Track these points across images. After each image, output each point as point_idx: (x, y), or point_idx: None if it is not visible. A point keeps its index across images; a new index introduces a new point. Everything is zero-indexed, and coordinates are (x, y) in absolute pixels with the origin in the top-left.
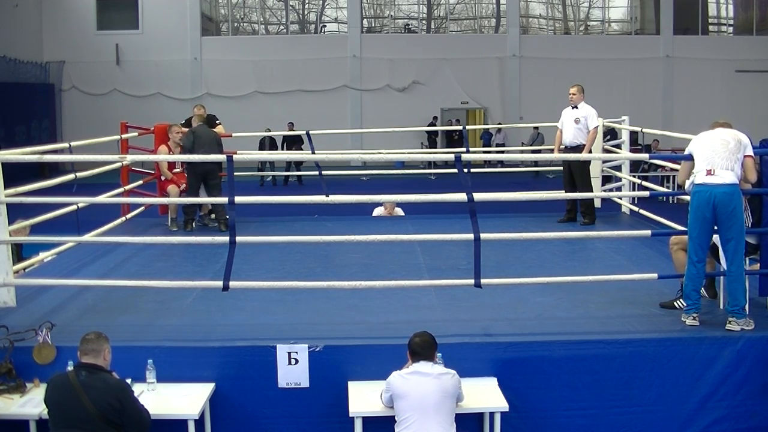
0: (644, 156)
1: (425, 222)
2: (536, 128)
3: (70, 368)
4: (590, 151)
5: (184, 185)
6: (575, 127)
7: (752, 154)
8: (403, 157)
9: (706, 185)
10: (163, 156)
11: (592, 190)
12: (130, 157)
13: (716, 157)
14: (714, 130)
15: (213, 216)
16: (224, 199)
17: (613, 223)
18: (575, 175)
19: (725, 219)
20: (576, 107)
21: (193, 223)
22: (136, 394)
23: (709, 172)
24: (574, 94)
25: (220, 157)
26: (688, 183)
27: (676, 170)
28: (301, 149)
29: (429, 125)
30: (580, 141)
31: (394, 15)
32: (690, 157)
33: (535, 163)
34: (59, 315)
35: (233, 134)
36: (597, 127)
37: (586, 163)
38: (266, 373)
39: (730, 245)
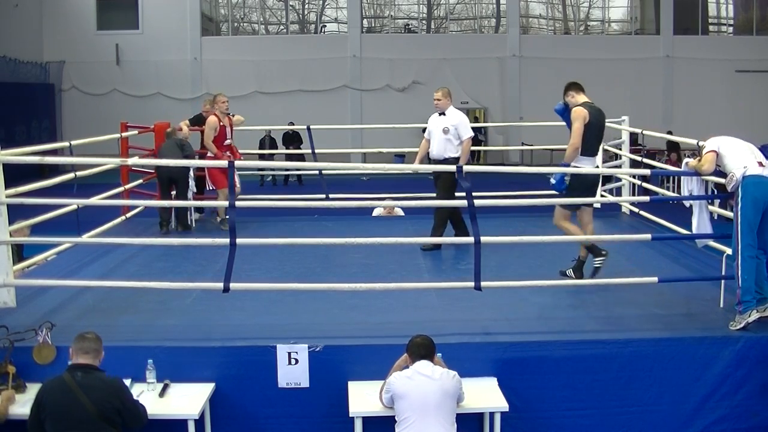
0: (646, 171)
1: (425, 222)
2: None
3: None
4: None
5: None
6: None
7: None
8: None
9: (765, 177)
10: (162, 160)
11: None
12: (131, 161)
13: (756, 152)
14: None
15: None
16: (225, 203)
17: (614, 224)
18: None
19: None
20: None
21: (168, 226)
22: (136, 395)
23: (761, 164)
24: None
25: (222, 163)
26: (733, 183)
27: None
28: (300, 148)
29: None
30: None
31: (394, 15)
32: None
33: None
34: (59, 315)
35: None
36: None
37: None
38: (266, 373)
39: None
